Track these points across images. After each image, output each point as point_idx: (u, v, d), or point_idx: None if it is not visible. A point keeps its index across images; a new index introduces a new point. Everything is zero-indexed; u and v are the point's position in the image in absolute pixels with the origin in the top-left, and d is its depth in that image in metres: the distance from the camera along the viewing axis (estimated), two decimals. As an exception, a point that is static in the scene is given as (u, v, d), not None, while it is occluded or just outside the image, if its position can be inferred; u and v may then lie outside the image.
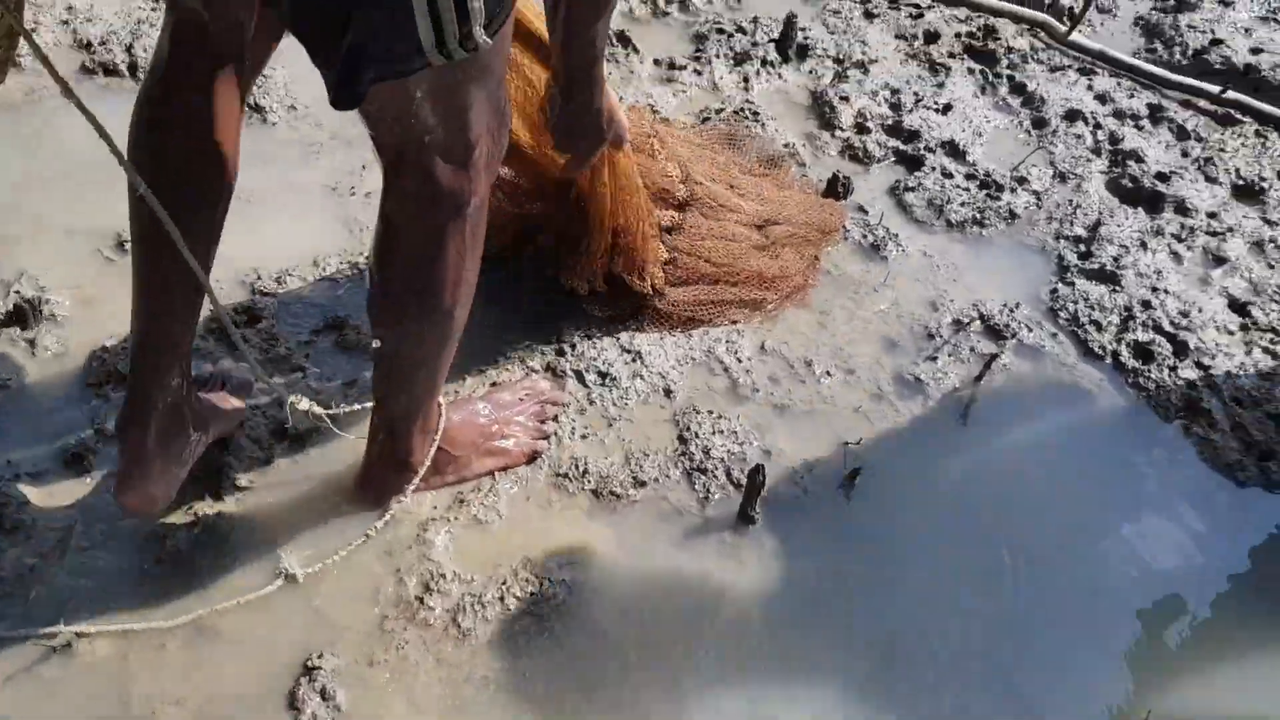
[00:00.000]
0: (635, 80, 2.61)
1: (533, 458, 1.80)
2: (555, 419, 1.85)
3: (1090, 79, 2.84)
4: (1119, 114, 2.75)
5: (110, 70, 2.36)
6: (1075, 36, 2.94)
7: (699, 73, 2.66)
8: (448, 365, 1.57)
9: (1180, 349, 2.15)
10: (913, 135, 2.58)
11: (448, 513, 1.71)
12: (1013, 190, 2.47)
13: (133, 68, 2.37)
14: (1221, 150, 2.67)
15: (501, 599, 1.62)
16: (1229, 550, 1.89)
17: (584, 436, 1.85)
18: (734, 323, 2.09)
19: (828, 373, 2.04)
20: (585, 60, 1.62)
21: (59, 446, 1.69)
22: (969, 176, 2.49)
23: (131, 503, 1.50)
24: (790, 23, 2.74)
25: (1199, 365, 2.13)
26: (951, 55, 2.84)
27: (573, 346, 1.97)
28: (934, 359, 2.09)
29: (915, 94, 2.69)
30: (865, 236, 2.32)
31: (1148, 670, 1.71)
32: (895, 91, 2.69)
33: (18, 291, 1.87)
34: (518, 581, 1.64)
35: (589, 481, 1.79)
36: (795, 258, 2.18)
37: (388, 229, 1.40)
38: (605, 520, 1.76)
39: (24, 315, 1.84)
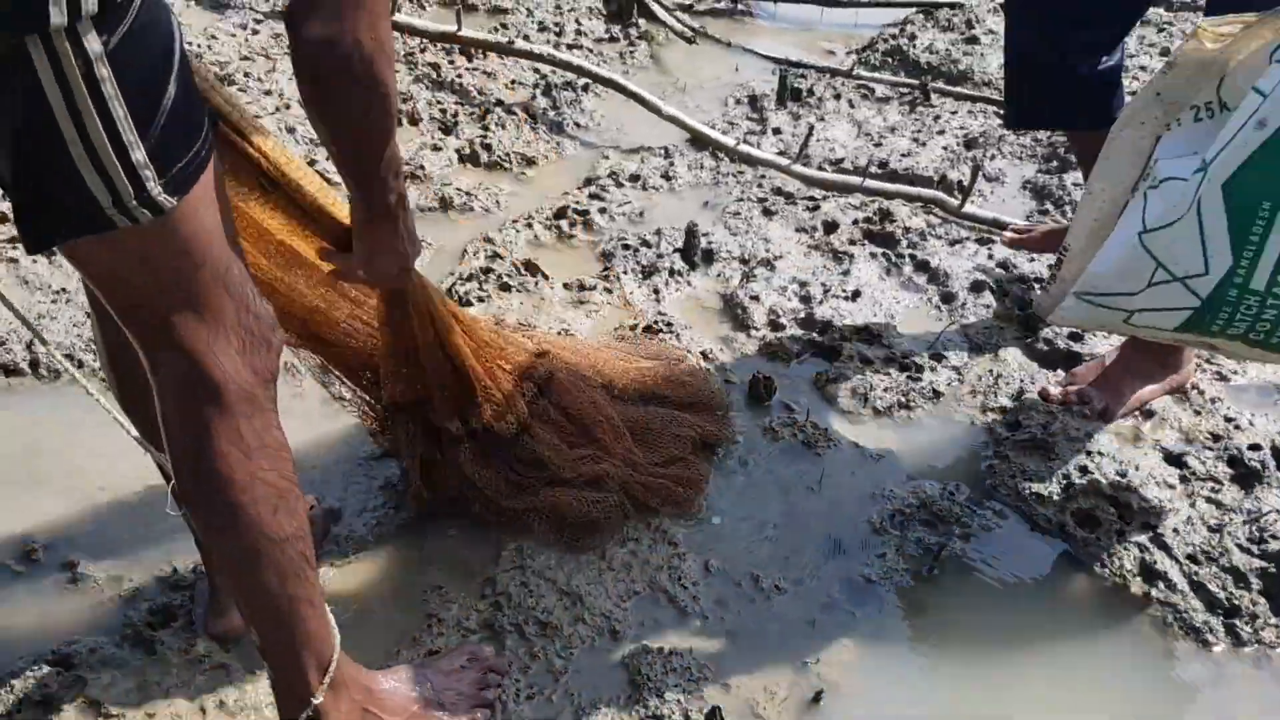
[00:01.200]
0: (547, 306, 2.61)
1: None
2: (498, 685, 1.75)
3: (989, 247, 2.91)
4: (1022, 279, 2.80)
5: (11, 370, 2.31)
6: (969, 208, 3.03)
7: (609, 290, 2.68)
8: (279, 582, 1.38)
9: (1125, 511, 2.12)
10: (826, 326, 2.60)
11: None
12: (932, 369, 2.47)
13: (34, 365, 2.32)
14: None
15: None
16: (1214, 721, 1.82)
17: (530, 697, 1.75)
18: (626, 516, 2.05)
19: (776, 586, 1.97)
20: (386, 189, 1.52)
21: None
22: (887, 360, 2.50)
23: (215, 632, 1.77)
24: (692, 231, 2.79)
25: (1146, 526, 2.10)
26: (852, 242, 2.90)
27: (508, 597, 1.89)
28: (882, 555, 2.04)
29: (823, 284, 2.72)
30: (795, 435, 2.29)
31: None
32: (804, 284, 2.73)
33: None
34: None
35: (537, 743, 1.69)
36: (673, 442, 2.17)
37: (159, 411, 1.34)
38: (564, 787, 1.65)
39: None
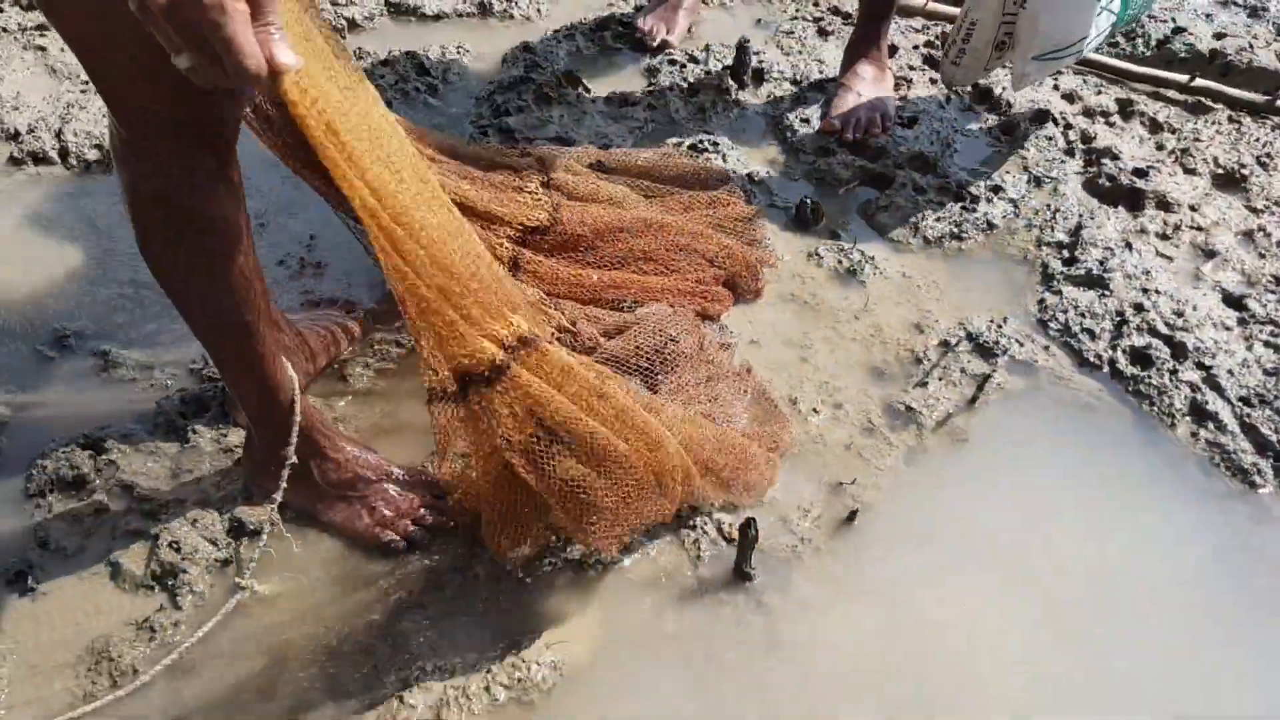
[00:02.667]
0: (588, 120, 2.51)
1: (376, 541, 1.65)
2: (426, 529, 1.69)
3: (1055, 78, 2.76)
4: (1088, 112, 2.67)
5: (40, 159, 2.25)
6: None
7: (653, 107, 2.57)
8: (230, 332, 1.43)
9: (1178, 351, 2.06)
10: (879, 152, 2.49)
11: (422, 597, 1.59)
12: (988, 200, 2.37)
13: (63, 154, 2.26)
14: (1197, 140, 2.59)
15: (487, 689, 1.51)
16: (1252, 564, 1.79)
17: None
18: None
19: (814, 410, 1.93)
20: None
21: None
22: (941, 190, 2.40)
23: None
24: (742, 49, 2.65)
25: (1200, 366, 2.03)
26: (912, 67, 2.76)
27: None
28: (924, 385, 1.99)
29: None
30: (840, 262, 2.22)
31: (1177, 692, 1.60)
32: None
33: (-52, 402, 1.76)
34: (503, 669, 1.53)
35: (570, 552, 1.68)
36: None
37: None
38: (591, 592, 1.65)
39: (-45, 427, 1.72)
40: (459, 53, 2.71)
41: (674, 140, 2.45)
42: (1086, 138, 2.58)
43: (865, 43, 2.62)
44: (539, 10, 2.92)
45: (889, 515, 1.79)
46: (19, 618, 1.52)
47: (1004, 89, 2.69)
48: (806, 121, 2.55)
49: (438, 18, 2.86)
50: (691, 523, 1.72)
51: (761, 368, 1.99)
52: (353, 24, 2.77)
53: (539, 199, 1.96)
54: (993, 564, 1.74)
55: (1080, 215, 2.35)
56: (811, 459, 1.86)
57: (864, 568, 1.71)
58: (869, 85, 2.59)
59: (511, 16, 2.89)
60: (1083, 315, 2.13)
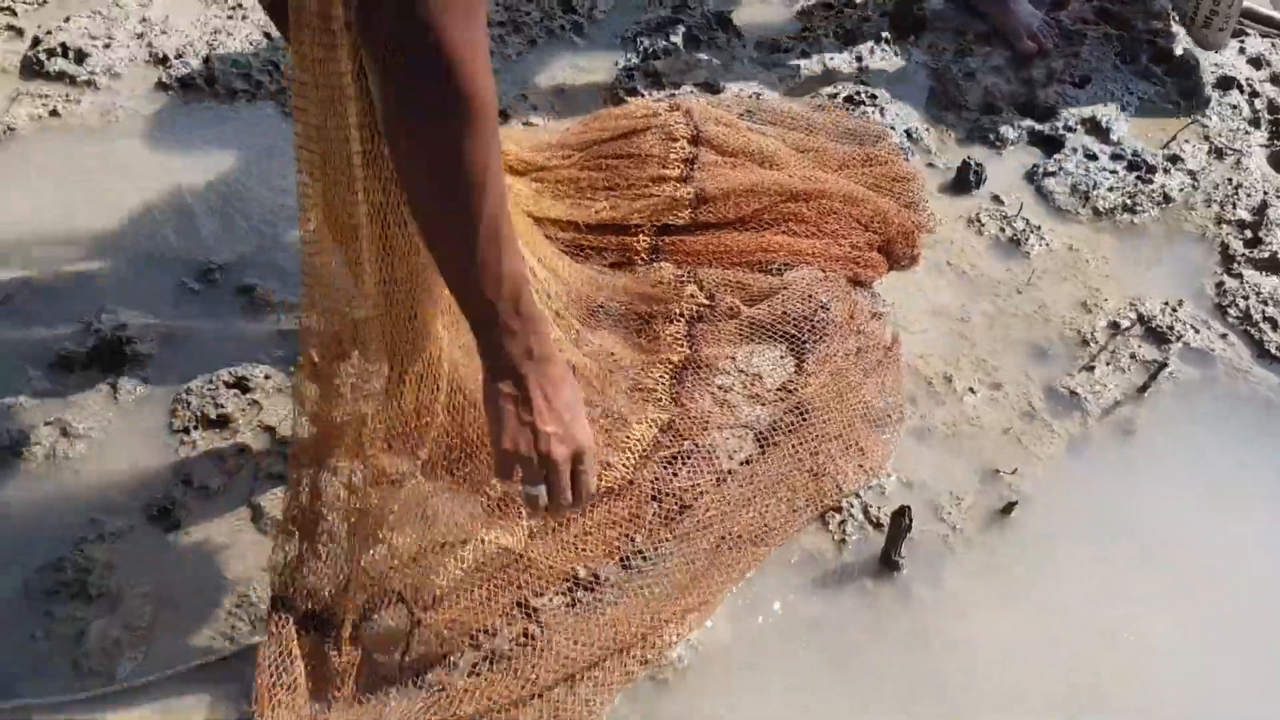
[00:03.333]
0: (737, 66, 2.40)
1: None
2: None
3: (1242, 40, 2.55)
4: (1275, 79, 2.46)
5: (187, 84, 2.24)
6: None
7: (806, 54, 2.44)
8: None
9: (1375, 347, 1.90)
10: (1048, 113, 2.34)
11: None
12: (1165, 171, 2.21)
13: (210, 80, 2.24)
14: (1401, 114, 2.38)
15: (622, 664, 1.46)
16: None
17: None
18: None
19: (970, 389, 1.83)
20: (499, 329, 1.12)
21: (144, 502, 1.57)
22: (1115, 157, 2.24)
23: None
24: (904, -6, 2.51)
25: (1399, 367, 1.88)
26: (1085, 21, 2.58)
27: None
28: (1090, 369, 1.87)
29: (1048, 66, 2.43)
30: (1003, 230, 2.09)
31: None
32: (1026, 68, 2.44)
33: (98, 330, 1.76)
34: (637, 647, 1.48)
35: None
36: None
37: None
38: (732, 568, 1.59)
39: (106, 357, 1.73)
40: (604, -11, 2.62)
41: (829, 91, 2.33)
42: (1275, 107, 2.38)
43: None
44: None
45: (1048, 508, 1.69)
46: (163, 556, 1.52)
47: (1184, 48, 2.49)
48: (971, 75, 2.40)
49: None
50: (838, 504, 1.65)
51: (915, 341, 1.89)
52: (497, -45, 2.69)
53: (680, 189, 1.88)
54: (1157, 567, 1.63)
55: (1266, 191, 2.18)
56: (967, 442, 1.76)
57: (1019, 564, 1.62)
58: None
59: (660, -48, 2.78)
60: (1265, 302, 1.97)
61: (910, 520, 1.55)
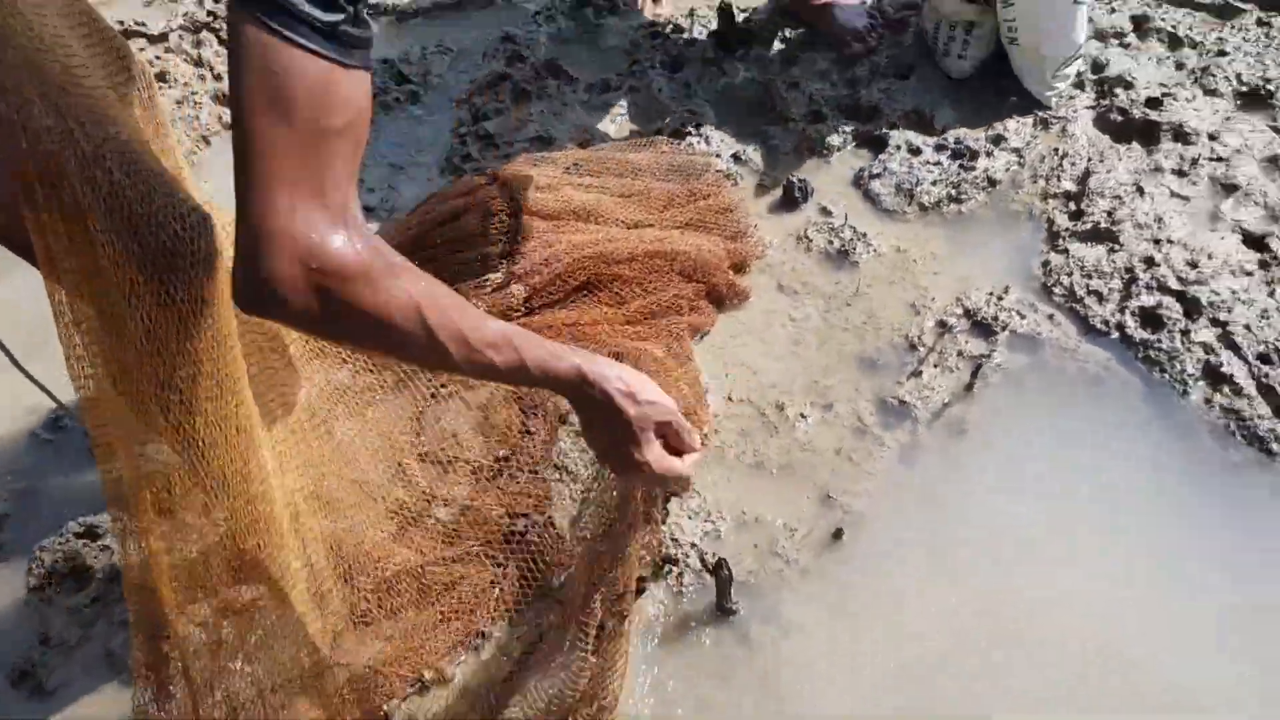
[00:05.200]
0: (569, 112, 2.45)
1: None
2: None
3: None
4: (1100, 35, 2.49)
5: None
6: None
7: (635, 89, 2.48)
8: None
9: (1192, 308, 1.93)
10: (873, 112, 2.37)
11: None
12: (988, 153, 2.25)
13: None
14: (1221, 53, 2.40)
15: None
16: (1272, 538, 1.69)
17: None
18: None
19: (802, 415, 1.88)
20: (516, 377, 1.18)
21: (7, 667, 1.64)
22: (939, 148, 2.28)
23: None
24: (726, 10, 2.54)
25: (1215, 322, 1.91)
26: (908, 6, 2.60)
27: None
28: (918, 374, 1.92)
29: (872, 63, 2.46)
30: (831, 242, 2.14)
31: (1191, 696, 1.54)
32: (849, 64, 2.47)
33: (-48, 496, 1.83)
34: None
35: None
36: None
37: None
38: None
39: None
40: (439, 51, 2.66)
41: (656, 126, 2.37)
42: (1098, 66, 2.41)
43: None
44: (522, -11, 2.84)
45: (883, 524, 1.74)
46: (30, 717, 1.59)
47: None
48: (796, 85, 2.43)
49: (416, 14, 2.80)
50: (673, 556, 1.70)
51: (747, 371, 1.94)
52: (333, 33, 2.72)
53: (514, 289, 1.95)
54: (993, 563, 1.68)
55: (1089, 158, 2.21)
56: (801, 470, 1.82)
57: (855, 586, 1.67)
58: None
59: (491, 3, 2.81)
60: (1089, 276, 2.01)
61: (729, 570, 1.60)
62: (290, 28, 0.92)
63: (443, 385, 1.92)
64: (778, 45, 2.55)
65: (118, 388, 1.20)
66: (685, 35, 2.59)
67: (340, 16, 0.95)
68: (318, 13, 0.93)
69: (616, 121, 2.42)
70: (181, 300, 1.09)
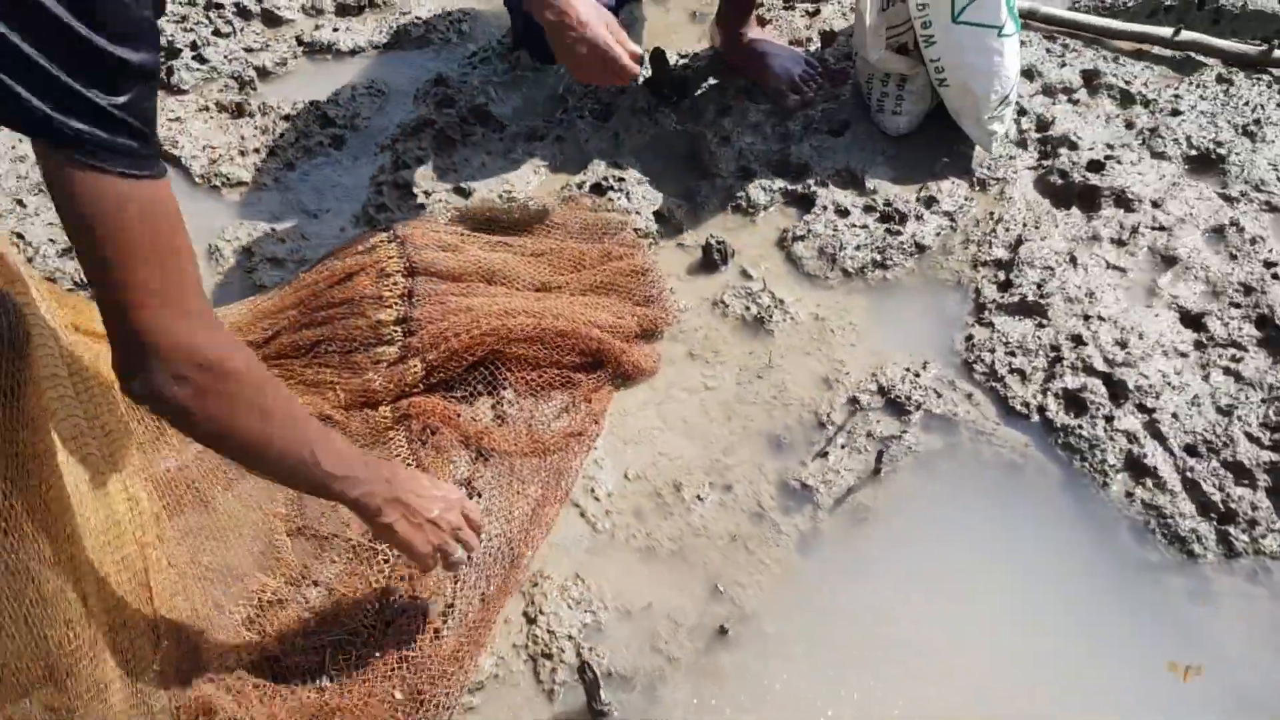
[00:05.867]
0: (492, 161, 2.35)
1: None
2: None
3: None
4: (1048, 90, 2.38)
5: None
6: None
7: (561, 139, 2.39)
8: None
9: (1117, 391, 1.82)
10: (803, 169, 2.27)
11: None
12: (918, 217, 2.14)
13: None
14: (1174, 112, 2.29)
15: None
16: (1188, 648, 1.58)
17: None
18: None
19: (698, 496, 1.78)
20: (340, 494, 1.37)
21: None
22: (867, 209, 2.17)
23: None
24: (660, 57, 2.44)
25: (1141, 409, 1.80)
26: (849, 57, 2.50)
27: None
28: (824, 455, 1.81)
29: (806, 115, 2.37)
30: (748, 308, 2.04)
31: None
32: (784, 118, 2.37)
33: None
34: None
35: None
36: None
37: None
38: (437, 738, 1.55)
39: None
40: (370, 93, 2.57)
41: (579, 179, 2.27)
42: (1043, 123, 2.30)
43: (742, 8, 2.46)
44: (460, 32, 2.76)
45: (772, 620, 1.63)
46: None
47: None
48: (726, 139, 2.33)
49: (354, 53, 2.72)
50: (549, 651, 1.60)
51: (647, 446, 1.84)
52: (264, 72, 2.65)
53: (411, 365, 1.86)
54: (884, 672, 1.57)
55: (1025, 224, 2.11)
56: (692, 556, 1.71)
57: (735, 687, 1.57)
58: (770, 38, 2.50)
59: (430, 42, 2.73)
60: (1013, 353, 1.90)
61: (594, 673, 1.51)
62: (109, 160, 1.00)
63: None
64: (713, 94, 2.45)
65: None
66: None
67: (150, 139, 1.03)
68: (129, 141, 1.01)
69: (540, 173, 2.33)
70: None
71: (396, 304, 1.91)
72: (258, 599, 1.64)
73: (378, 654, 1.58)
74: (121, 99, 1.00)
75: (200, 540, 1.70)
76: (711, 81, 2.49)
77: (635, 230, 2.13)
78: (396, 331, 1.88)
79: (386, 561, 1.68)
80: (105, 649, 1.32)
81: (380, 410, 1.86)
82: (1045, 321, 1.93)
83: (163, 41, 2.60)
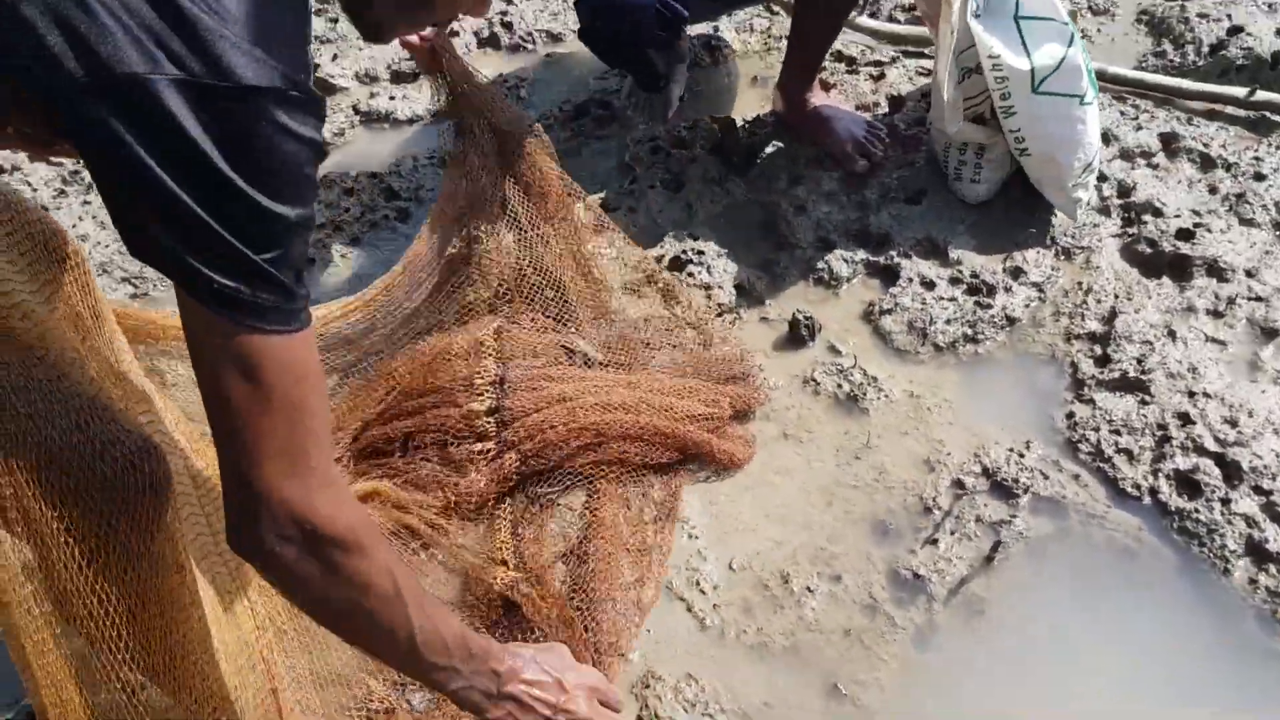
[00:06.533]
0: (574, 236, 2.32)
1: None
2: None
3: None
4: (1126, 154, 2.36)
5: None
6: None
7: (634, 210, 2.35)
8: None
9: (1232, 472, 1.78)
10: (884, 239, 2.24)
11: None
12: (1006, 289, 2.11)
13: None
14: (1257, 176, 2.26)
15: None
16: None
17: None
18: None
19: (808, 588, 1.73)
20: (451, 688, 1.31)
21: None
22: (954, 281, 2.14)
23: None
24: (730, 127, 2.42)
25: (1258, 490, 1.76)
26: (921, 123, 2.48)
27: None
28: (934, 542, 1.77)
29: (880, 183, 2.34)
30: (840, 386, 1.99)
31: None
32: (859, 188, 2.34)
33: None
34: None
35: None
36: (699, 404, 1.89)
37: None
38: None
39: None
40: (431, 163, 2.54)
41: (656, 253, 2.24)
42: (1124, 189, 2.27)
43: (805, 72, 2.42)
44: (518, 98, 2.73)
45: (895, 718, 1.59)
46: None
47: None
48: (803, 209, 2.30)
49: (411, 121, 2.69)
50: None
51: (750, 534, 1.80)
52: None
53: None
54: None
55: (1116, 295, 2.07)
56: (807, 652, 1.66)
57: (865, 795, 1.52)
58: (835, 103, 2.45)
59: (488, 109, 2.70)
60: (1118, 432, 1.86)
61: (725, 787, 1.45)
62: (251, 316, 0.96)
63: (424, 545, 1.79)
64: (783, 162, 2.42)
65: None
66: (686, 151, 2.46)
67: (296, 293, 0.99)
68: (275, 298, 0.97)
69: (615, 245, 2.29)
70: (127, 529, 1.05)
71: (488, 394, 1.87)
72: (365, 709, 1.59)
73: None
74: (273, 254, 0.95)
75: (307, 642, 1.65)
76: (779, 146, 2.46)
77: (719, 305, 2.09)
78: (490, 423, 1.83)
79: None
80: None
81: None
82: (1149, 398, 1.89)
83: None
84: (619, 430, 1.81)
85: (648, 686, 1.62)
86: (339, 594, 1.11)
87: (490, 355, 1.90)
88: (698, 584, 1.74)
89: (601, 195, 2.40)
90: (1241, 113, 2.43)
